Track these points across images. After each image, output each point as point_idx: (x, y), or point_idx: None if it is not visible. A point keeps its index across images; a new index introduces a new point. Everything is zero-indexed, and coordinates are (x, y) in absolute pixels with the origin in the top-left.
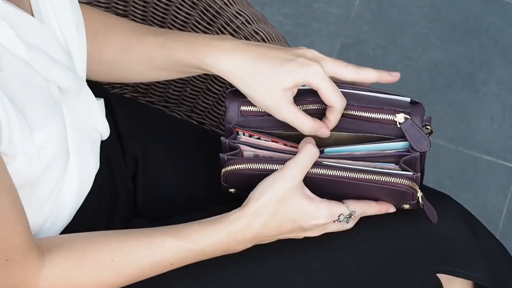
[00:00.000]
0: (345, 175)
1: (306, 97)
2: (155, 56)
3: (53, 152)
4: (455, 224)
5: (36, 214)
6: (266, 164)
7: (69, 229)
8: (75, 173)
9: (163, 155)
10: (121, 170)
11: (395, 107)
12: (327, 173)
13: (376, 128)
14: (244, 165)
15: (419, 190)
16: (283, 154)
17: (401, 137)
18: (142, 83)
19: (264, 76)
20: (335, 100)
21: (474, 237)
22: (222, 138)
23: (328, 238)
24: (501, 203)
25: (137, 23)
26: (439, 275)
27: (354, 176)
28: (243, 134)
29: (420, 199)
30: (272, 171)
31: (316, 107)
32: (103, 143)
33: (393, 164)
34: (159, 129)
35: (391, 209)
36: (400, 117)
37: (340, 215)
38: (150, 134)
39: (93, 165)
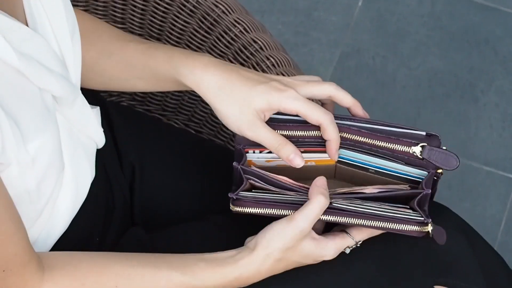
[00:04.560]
0: (354, 222)
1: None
2: (134, 62)
3: (48, 161)
4: (453, 236)
5: (33, 224)
6: (275, 209)
7: (65, 237)
8: (70, 181)
9: (160, 164)
10: (118, 179)
11: (411, 139)
12: (336, 220)
13: (389, 154)
14: (252, 210)
15: (430, 225)
16: (292, 193)
17: (412, 165)
18: (134, 92)
19: (238, 95)
20: (319, 115)
21: (472, 248)
22: (234, 163)
23: None
24: (500, 213)
25: (123, 31)
26: (437, 287)
27: (363, 223)
28: (253, 152)
29: (430, 232)
30: (281, 216)
31: (312, 133)
32: (99, 152)
33: (406, 186)
34: (156, 138)
35: None
36: (416, 149)
37: (346, 248)
38: (147, 143)
39: (88, 174)
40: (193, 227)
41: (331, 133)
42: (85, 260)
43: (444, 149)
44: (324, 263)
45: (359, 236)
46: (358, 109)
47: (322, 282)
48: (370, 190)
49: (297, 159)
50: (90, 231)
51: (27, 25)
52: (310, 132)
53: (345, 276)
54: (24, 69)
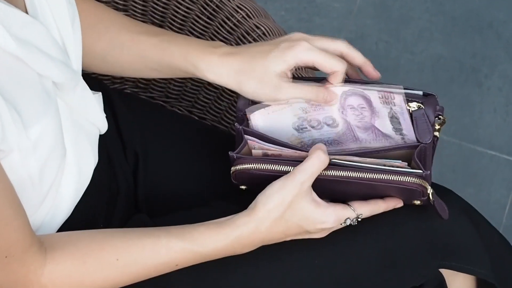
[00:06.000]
0: (354, 175)
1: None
2: (147, 56)
3: (49, 146)
4: (457, 219)
5: (36, 209)
6: (274, 165)
7: (68, 223)
8: (72, 167)
9: (164, 150)
10: (121, 165)
11: (408, 97)
12: (336, 174)
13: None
14: (252, 165)
15: (430, 187)
16: (292, 151)
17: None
18: (142, 78)
19: (256, 70)
20: (335, 64)
21: (477, 231)
22: (236, 124)
23: (330, 233)
24: (505, 197)
25: (133, 20)
26: (442, 270)
27: (363, 176)
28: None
29: (430, 196)
30: (280, 172)
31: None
32: (103, 138)
33: (400, 161)
34: (159, 124)
35: (399, 204)
36: (413, 105)
37: (347, 219)
38: (150, 129)
39: (91, 159)
40: (198, 213)
41: (339, 81)
42: (84, 238)
43: (437, 117)
44: (326, 241)
45: (360, 209)
46: (369, 68)
47: (324, 262)
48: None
49: (331, 96)
50: (94, 217)
51: (27, 12)
52: None
53: (350, 258)
54: (23, 55)
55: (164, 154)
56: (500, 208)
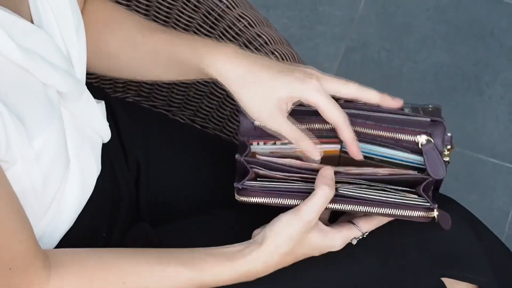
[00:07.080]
0: (360, 209)
1: (311, 116)
2: (158, 52)
3: (53, 156)
4: (460, 228)
5: (40, 219)
6: (282, 199)
7: (71, 232)
8: (76, 176)
9: (166, 159)
10: (124, 174)
11: (415, 127)
12: (343, 208)
13: (394, 143)
14: (258, 199)
15: (436, 210)
16: (300, 163)
17: (418, 152)
18: (145, 87)
19: (261, 84)
20: (336, 116)
21: (479, 240)
22: (236, 155)
23: None
24: (507, 205)
25: (144, 18)
26: (444, 279)
27: (370, 210)
28: (257, 144)
29: (436, 217)
30: (288, 206)
31: (320, 126)
32: (105, 146)
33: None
34: (161, 133)
35: None
36: (422, 139)
37: (353, 238)
38: (152, 138)
39: (94, 168)
40: (200, 221)
41: (346, 134)
42: (92, 257)
43: (446, 146)
44: (328, 254)
45: (365, 227)
46: (388, 101)
47: (325, 272)
48: (381, 171)
49: (314, 154)
50: (97, 226)
51: (32, 22)
52: (326, 125)
53: (351, 268)
54: (27, 65)
55: (166, 163)
56: (502, 216)
